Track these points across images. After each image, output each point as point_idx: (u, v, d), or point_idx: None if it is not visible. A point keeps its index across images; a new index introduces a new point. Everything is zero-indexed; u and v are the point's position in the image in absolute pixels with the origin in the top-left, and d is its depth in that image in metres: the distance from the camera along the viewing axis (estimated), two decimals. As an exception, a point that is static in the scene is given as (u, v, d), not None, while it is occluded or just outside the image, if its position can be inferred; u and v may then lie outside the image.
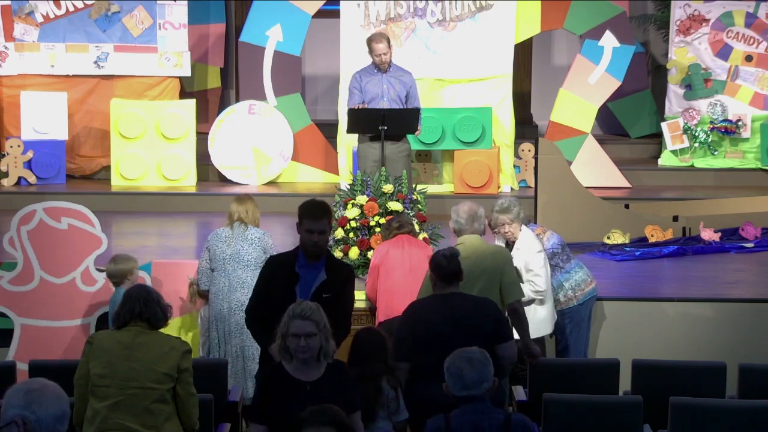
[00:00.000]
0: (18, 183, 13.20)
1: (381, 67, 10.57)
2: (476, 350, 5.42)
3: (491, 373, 5.30)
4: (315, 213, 6.52)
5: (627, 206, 11.71)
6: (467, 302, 6.54)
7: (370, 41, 10.71)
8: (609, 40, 13.31)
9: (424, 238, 9.12)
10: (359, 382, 5.98)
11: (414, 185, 10.05)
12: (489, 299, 6.77)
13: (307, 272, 6.53)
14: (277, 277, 6.57)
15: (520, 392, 7.51)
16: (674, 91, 14.32)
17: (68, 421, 4.05)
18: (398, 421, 6.27)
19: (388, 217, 9.08)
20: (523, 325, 7.35)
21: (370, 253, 8.96)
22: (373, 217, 9.20)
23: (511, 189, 13.04)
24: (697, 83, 14.20)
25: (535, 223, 9.65)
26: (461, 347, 5.63)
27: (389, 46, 10.64)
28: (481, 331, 6.37)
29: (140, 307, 5.94)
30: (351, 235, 9.30)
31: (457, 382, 5.23)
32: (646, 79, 15.47)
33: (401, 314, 6.69)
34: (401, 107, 10.48)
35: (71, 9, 13.54)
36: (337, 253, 9.37)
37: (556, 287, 8.50)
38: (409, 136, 10.63)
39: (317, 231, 6.48)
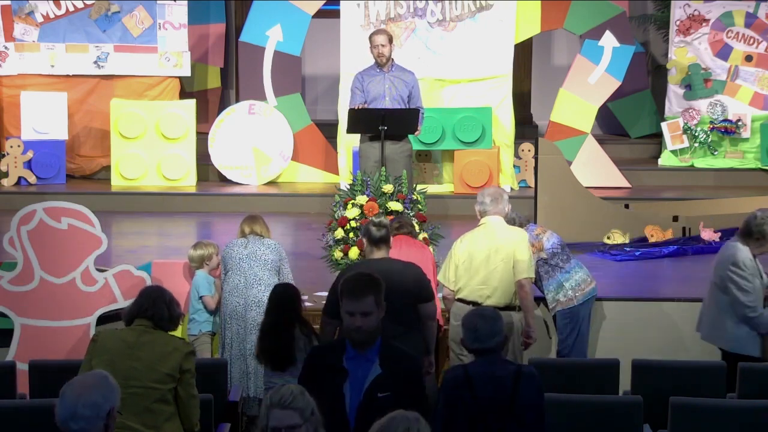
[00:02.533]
0: (18, 183, 13.20)
1: (379, 61, 10.49)
2: (488, 308, 6.08)
3: (502, 329, 5.80)
4: (355, 290, 5.35)
5: (627, 206, 11.71)
6: (395, 265, 7.17)
7: (370, 35, 10.71)
8: (609, 40, 13.31)
9: (424, 238, 9.11)
10: (274, 331, 6.93)
11: (414, 185, 10.04)
12: (414, 264, 7.35)
13: (358, 365, 5.31)
14: (321, 374, 5.34)
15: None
16: (674, 91, 14.32)
17: (83, 420, 4.18)
18: None
19: (389, 217, 9.06)
20: (526, 304, 7.77)
21: (370, 254, 8.94)
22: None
23: (511, 189, 13.04)
24: (697, 83, 14.20)
25: (535, 223, 9.64)
26: (391, 305, 6.50)
27: (390, 43, 10.56)
28: (407, 292, 7.02)
29: (148, 305, 5.98)
30: (351, 235, 9.29)
31: (471, 336, 5.73)
32: (646, 79, 15.48)
33: (336, 278, 7.12)
34: (404, 107, 10.45)
35: (71, 9, 13.55)
36: (337, 253, 9.34)
37: (556, 287, 8.51)
38: (410, 136, 10.62)
39: (359, 313, 5.29)
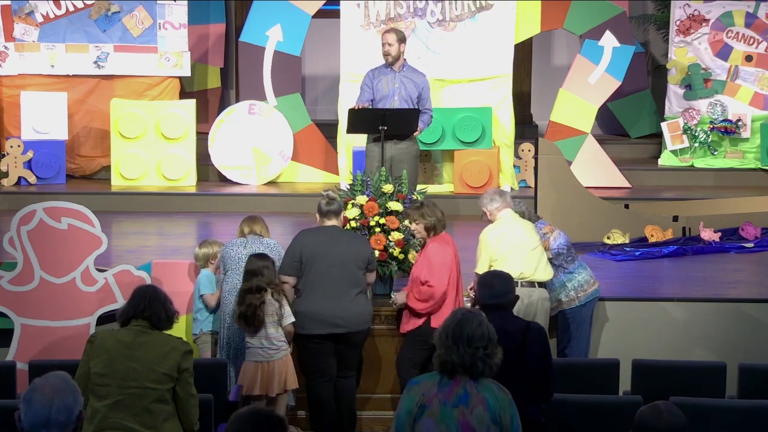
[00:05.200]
0: (18, 183, 13.20)
1: (385, 59, 10.48)
2: (503, 270, 6.77)
3: (514, 288, 6.50)
4: None
5: (627, 206, 11.71)
6: (345, 234, 8.18)
7: (382, 33, 10.71)
8: (609, 40, 13.31)
9: (425, 238, 9.12)
10: (244, 296, 7.74)
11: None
12: (363, 237, 8.43)
13: None
14: None
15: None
16: (674, 91, 14.31)
17: (61, 427, 4.02)
18: (286, 324, 7.84)
19: (389, 218, 9.05)
20: None
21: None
22: (373, 217, 9.18)
23: (511, 189, 13.03)
24: (697, 83, 14.20)
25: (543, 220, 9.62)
26: (340, 267, 7.76)
27: (399, 42, 10.49)
28: (356, 259, 7.90)
29: (144, 305, 5.96)
30: (351, 235, 9.28)
31: (486, 292, 6.29)
32: (646, 79, 15.47)
33: (292, 239, 8.04)
34: (411, 107, 10.44)
35: (71, 9, 13.54)
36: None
37: (558, 288, 8.50)
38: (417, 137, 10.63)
39: None
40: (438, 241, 8.22)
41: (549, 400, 6.47)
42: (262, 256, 7.99)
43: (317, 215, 8.16)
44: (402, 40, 10.53)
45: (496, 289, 6.37)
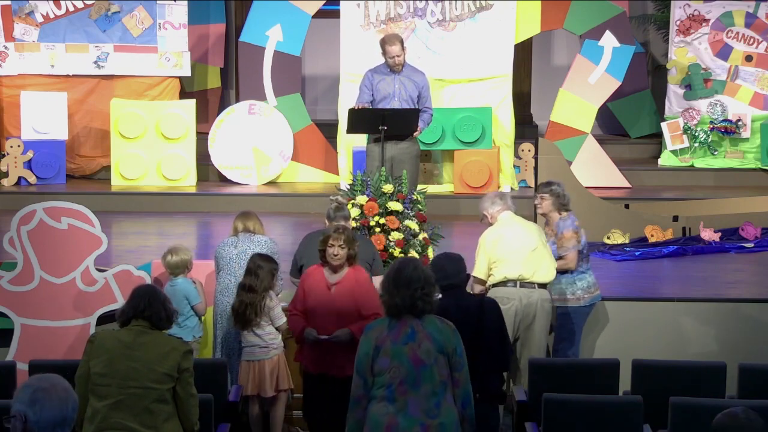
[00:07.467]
0: (18, 183, 13.20)
1: (394, 69, 10.52)
2: (453, 252, 7.13)
3: (465, 267, 7.02)
4: None
5: (627, 206, 11.71)
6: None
7: (383, 43, 10.66)
8: (609, 40, 13.31)
9: (424, 238, 9.12)
10: (241, 291, 7.88)
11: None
12: (366, 238, 8.57)
13: None
14: None
15: (520, 392, 7.52)
16: (674, 91, 14.31)
17: (70, 425, 4.02)
18: (279, 325, 7.93)
19: (389, 218, 9.05)
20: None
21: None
22: (373, 217, 9.19)
23: (511, 189, 13.03)
24: (697, 83, 14.20)
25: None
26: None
27: (403, 48, 10.56)
28: (369, 257, 8.09)
29: (144, 305, 5.95)
30: (351, 235, 9.28)
31: (440, 274, 6.51)
32: (646, 79, 15.47)
33: (300, 243, 8.40)
34: (412, 107, 10.44)
35: (71, 9, 13.55)
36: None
37: (567, 283, 8.49)
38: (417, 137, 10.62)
39: None
40: (361, 269, 7.79)
41: (508, 368, 7.23)
42: (264, 258, 8.01)
43: (326, 220, 8.36)
44: (403, 43, 10.59)
45: (448, 270, 6.83)
